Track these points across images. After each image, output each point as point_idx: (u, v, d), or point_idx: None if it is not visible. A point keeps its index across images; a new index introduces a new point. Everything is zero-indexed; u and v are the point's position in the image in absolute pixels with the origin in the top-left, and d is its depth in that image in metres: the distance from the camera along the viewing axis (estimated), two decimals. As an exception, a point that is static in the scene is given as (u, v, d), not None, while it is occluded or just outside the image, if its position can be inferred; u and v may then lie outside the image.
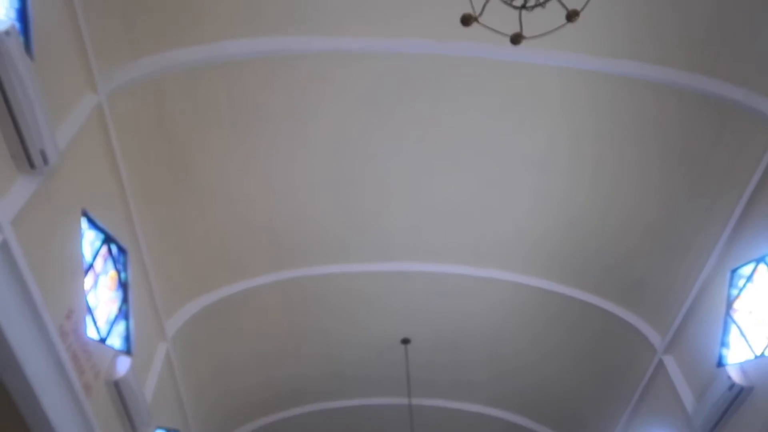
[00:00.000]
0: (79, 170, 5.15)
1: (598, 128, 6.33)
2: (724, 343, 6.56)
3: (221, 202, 7.01)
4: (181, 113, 6.08)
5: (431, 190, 7.13)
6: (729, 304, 6.49)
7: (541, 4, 3.63)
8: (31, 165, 4.22)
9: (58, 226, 4.91)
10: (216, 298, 7.91)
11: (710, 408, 6.41)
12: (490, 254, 7.83)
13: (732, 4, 5.26)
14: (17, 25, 4.06)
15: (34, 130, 4.11)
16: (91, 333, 5.59)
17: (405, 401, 9.90)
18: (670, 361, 7.48)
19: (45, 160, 4.27)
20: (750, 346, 6.20)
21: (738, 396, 6.11)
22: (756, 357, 6.08)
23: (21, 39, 3.92)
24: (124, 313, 6.39)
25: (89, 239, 5.59)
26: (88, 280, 5.56)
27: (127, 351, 6.42)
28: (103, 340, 5.87)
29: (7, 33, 3.70)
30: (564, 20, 3.59)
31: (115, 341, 6.22)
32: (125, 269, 6.35)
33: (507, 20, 3.83)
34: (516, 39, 3.72)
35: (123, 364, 6.07)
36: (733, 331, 6.47)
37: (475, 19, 3.63)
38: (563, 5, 3.58)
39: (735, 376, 6.11)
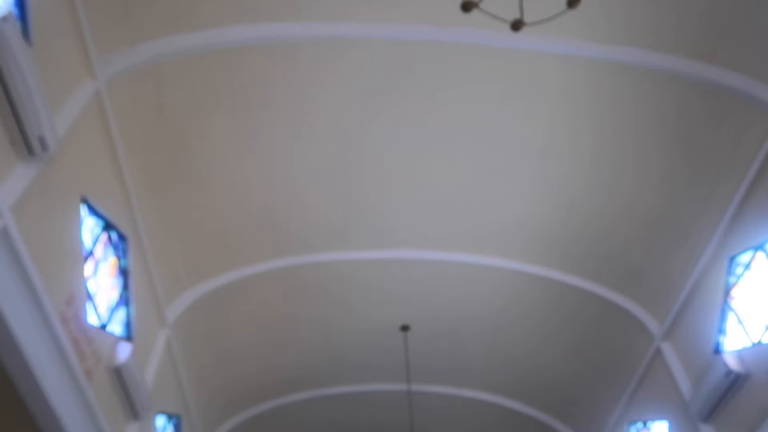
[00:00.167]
0: (78, 157, 5.14)
1: (597, 116, 6.31)
2: (721, 330, 6.60)
3: (221, 189, 7.00)
4: (181, 100, 6.06)
5: (431, 177, 7.12)
6: (727, 292, 6.52)
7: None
8: (30, 152, 4.21)
9: (58, 213, 4.91)
10: (216, 285, 7.93)
11: (707, 394, 6.47)
12: (490, 242, 7.84)
13: (733, -9, 5.24)
14: (15, 11, 4.04)
15: (33, 117, 4.10)
16: (92, 319, 5.62)
17: (404, 387, 9.96)
18: (667, 348, 7.52)
19: (44, 147, 4.26)
20: (747, 333, 6.24)
21: (735, 383, 6.16)
22: (753, 344, 6.11)
23: (19, 25, 3.89)
24: (124, 299, 6.41)
25: (89, 226, 5.60)
26: (89, 267, 5.58)
27: (128, 337, 6.45)
28: (103, 327, 5.89)
29: (4, 19, 3.68)
30: (565, 7, 3.57)
31: (116, 328, 6.25)
32: (125, 256, 6.37)
33: (507, 6, 3.81)
34: (516, 25, 3.70)
35: (124, 351, 6.11)
36: (731, 318, 6.50)
37: (476, 5, 3.61)
38: (564, -9, 3.55)
39: (732, 363, 6.16)
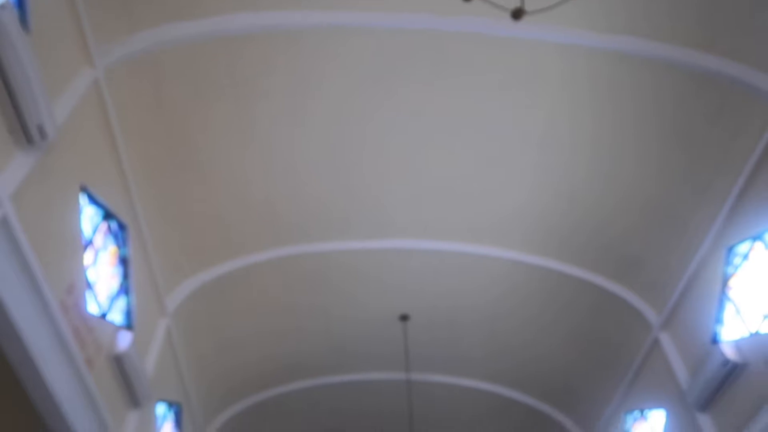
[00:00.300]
0: (77, 146, 5.14)
1: (597, 105, 6.30)
2: (719, 320, 6.63)
3: (221, 179, 7.00)
4: (181, 89, 6.04)
5: (430, 166, 7.12)
6: (725, 282, 6.54)
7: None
8: (29, 140, 4.21)
9: (58, 202, 4.92)
10: (216, 274, 7.95)
11: (704, 384, 6.50)
12: (489, 231, 7.85)
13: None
14: (13, -2, 4.02)
15: (31, 105, 4.10)
16: (92, 308, 5.63)
17: (403, 376, 10.01)
18: (665, 338, 7.56)
19: (43, 136, 4.26)
20: (745, 323, 6.26)
21: (732, 372, 6.19)
22: (750, 334, 6.14)
23: (16, 13, 3.88)
24: (124, 288, 6.43)
25: (89, 215, 5.61)
26: (88, 256, 5.59)
27: (129, 326, 6.47)
28: (104, 316, 5.91)
29: (2, 7, 3.67)
30: (565, -5, 3.55)
31: (117, 317, 6.27)
32: (125, 245, 6.37)
33: (508, -5, 3.79)
34: (517, 14, 3.69)
35: (124, 339, 6.14)
36: (729, 308, 6.52)
37: (476, -6, 3.59)
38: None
39: (729, 352, 6.19)
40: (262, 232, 7.76)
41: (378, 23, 5.78)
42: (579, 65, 5.99)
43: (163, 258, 7.27)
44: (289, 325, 9.12)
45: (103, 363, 5.88)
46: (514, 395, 10.31)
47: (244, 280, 8.18)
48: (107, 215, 5.96)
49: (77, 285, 5.22)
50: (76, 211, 5.25)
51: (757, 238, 6.11)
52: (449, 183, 7.29)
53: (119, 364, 6.05)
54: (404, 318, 9.14)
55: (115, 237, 6.23)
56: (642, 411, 8.39)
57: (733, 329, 6.44)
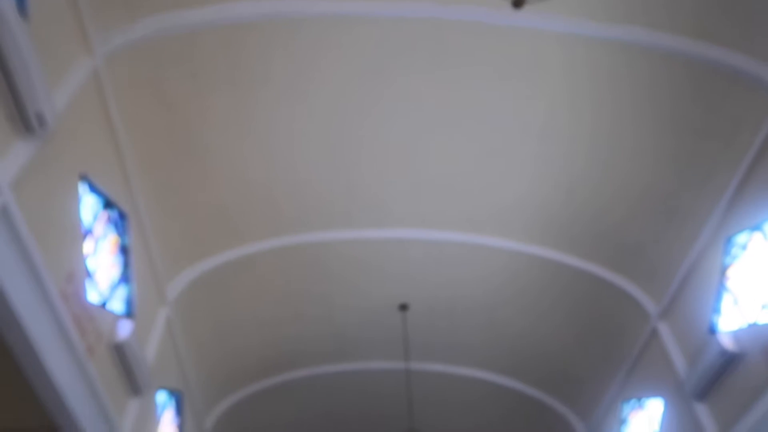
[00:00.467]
0: (77, 134, 5.13)
1: (597, 95, 6.28)
2: (717, 311, 6.65)
3: (221, 168, 7.00)
4: (181, 77, 6.03)
5: (430, 157, 7.11)
6: (723, 272, 6.55)
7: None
8: (28, 128, 4.20)
9: (57, 191, 4.92)
10: (216, 263, 7.97)
11: (702, 374, 6.54)
12: (488, 222, 7.86)
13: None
14: (11, -15, 3.99)
15: (30, 93, 4.09)
16: (93, 297, 5.65)
17: (402, 365, 10.06)
18: (664, 327, 7.59)
19: (41, 123, 4.25)
20: (743, 313, 6.28)
21: (730, 362, 6.22)
22: (749, 325, 6.16)
23: None
24: (125, 277, 6.44)
25: (89, 204, 5.61)
26: (88, 245, 5.59)
27: (129, 315, 6.49)
28: (104, 304, 5.93)
29: (1, -7, 3.65)
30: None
31: (117, 305, 6.29)
32: (125, 234, 6.38)
33: (508, -16, 3.77)
34: (518, 2, 3.67)
35: (125, 328, 6.17)
36: (727, 298, 6.54)
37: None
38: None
39: (727, 343, 6.21)
40: (262, 222, 7.77)
41: (379, 12, 5.76)
42: (578, 55, 5.97)
43: (163, 247, 7.28)
44: (289, 314, 9.15)
45: (104, 351, 5.90)
46: (513, 384, 10.37)
47: (244, 269, 8.20)
48: (107, 204, 5.97)
49: (77, 273, 5.24)
50: (76, 200, 5.25)
51: (756, 228, 6.12)
52: (449, 173, 7.29)
53: (120, 352, 6.08)
54: (404, 307, 9.16)
55: (116, 226, 6.24)
56: (639, 399, 8.44)
57: (731, 319, 6.46)
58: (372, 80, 6.33)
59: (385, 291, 8.94)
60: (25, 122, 4.18)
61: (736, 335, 6.27)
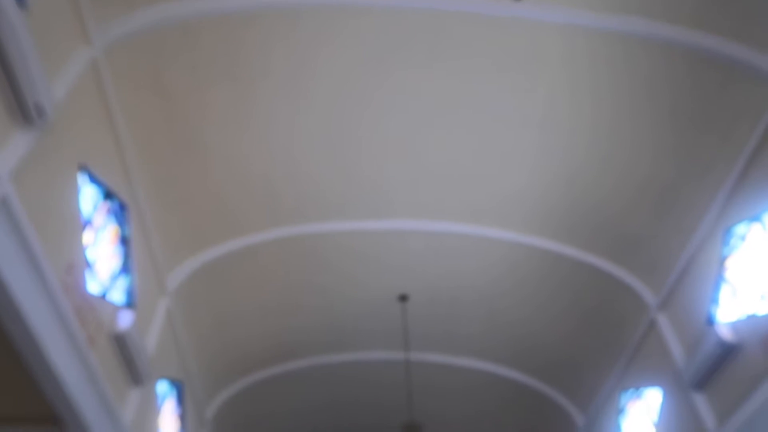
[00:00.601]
0: (76, 125, 5.13)
1: (596, 87, 6.27)
2: (715, 302, 6.66)
3: (220, 159, 7.00)
4: (180, 69, 6.02)
5: (430, 148, 7.11)
6: (722, 263, 6.56)
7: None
8: (27, 119, 4.21)
9: (57, 181, 4.93)
10: (216, 254, 7.98)
11: (700, 364, 6.57)
12: (488, 213, 7.86)
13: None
14: (9, -25, 3.98)
15: (29, 84, 4.09)
16: (93, 287, 5.67)
17: (402, 356, 10.10)
18: (662, 318, 7.61)
19: (40, 114, 4.26)
20: (741, 304, 6.30)
21: (728, 353, 6.25)
22: (747, 316, 6.18)
23: (13, -10, 3.85)
24: (125, 268, 6.47)
25: (89, 194, 5.62)
26: (89, 235, 5.61)
27: (130, 305, 6.52)
28: (105, 295, 5.96)
29: (-2, -16, 3.64)
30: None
31: (118, 296, 6.32)
32: (126, 225, 6.40)
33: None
34: (517, -7, 3.66)
35: (125, 318, 6.19)
36: (726, 289, 6.55)
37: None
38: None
39: (725, 333, 6.23)
40: (262, 212, 7.78)
41: (378, 3, 5.73)
42: (577, 46, 5.96)
43: (163, 237, 7.30)
44: (289, 304, 9.18)
45: (105, 341, 5.93)
46: (512, 374, 10.41)
47: (244, 260, 8.22)
48: (107, 195, 5.98)
49: (77, 264, 5.26)
50: (76, 191, 5.26)
51: (755, 219, 6.12)
52: (448, 164, 7.29)
53: (120, 342, 6.11)
54: (403, 298, 9.19)
55: (116, 217, 6.25)
56: (637, 389, 8.48)
57: (730, 310, 6.48)
58: (371, 72, 6.32)
59: (385, 282, 8.96)
60: (24, 113, 4.18)
61: (734, 326, 6.29)
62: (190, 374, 8.79)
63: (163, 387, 7.94)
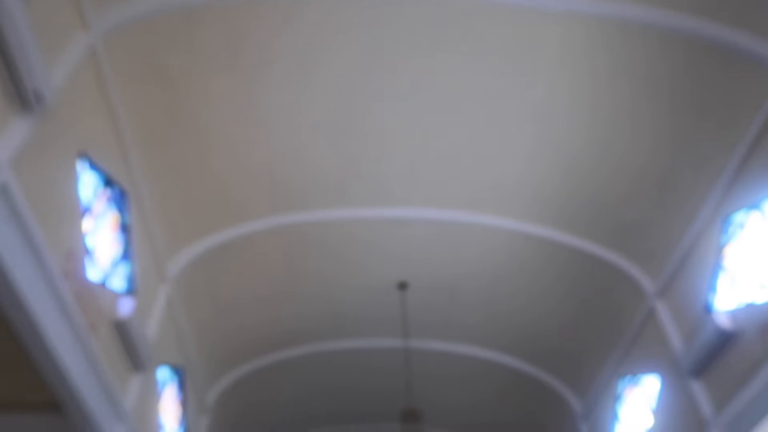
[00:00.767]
0: (76, 111, 5.12)
1: (595, 74, 6.24)
2: (714, 290, 6.68)
3: (221, 145, 6.99)
4: (181, 55, 5.99)
5: (430, 136, 7.10)
6: (721, 251, 6.57)
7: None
8: (26, 105, 4.20)
9: (56, 168, 4.93)
10: (217, 241, 8.00)
11: (698, 352, 6.60)
12: (487, 200, 7.87)
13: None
14: (6, -40, 3.95)
15: (27, 70, 4.08)
16: (94, 274, 5.69)
17: (401, 343, 10.14)
18: (661, 306, 7.63)
19: (39, 100, 4.25)
20: (740, 292, 6.31)
21: (726, 341, 6.27)
22: (746, 304, 6.20)
23: (10, -24, 3.83)
24: (126, 255, 6.48)
25: (89, 181, 5.62)
26: (89, 222, 5.61)
27: (130, 292, 6.54)
28: (106, 282, 5.97)
29: (-4, -31, 3.62)
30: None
31: (118, 283, 6.34)
32: (126, 212, 6.40)
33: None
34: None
35: (126, 305, 6.22)
36: (724, 277, 6.57)
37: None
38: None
39: (724, 322, 6.25)
40: (263, 200, 7.78)
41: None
42: (576, 33, 5.93)
43: (164, 224, 7.30)
44: (289, 292, 9.21)
45: (106, 328, 5.96)
46: (511, 362, 10.46)
47: (244, 247, 8.24)
48: (107, 182, 5.97)
49: (77, 251, 5.26)
50: (75, 178, 5.26)
51: (753, 207, 6.12)
52: (449, 152, 7.28)
53: (121, 329, 6.14)
54: (403, 285, 9.21)
55: (116, 204, 6.25)
56: (634, 376, 8.53)
57: (729, 298, 6.50)
58: (373, 60, 6.30)
59: (385, 269, 8.98)
60: (23, 100, 4.18)
61: (733, 314, 6.31)
62: (190, 361, 8.84)
63: (163, 373, 7.99)
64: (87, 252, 5.54)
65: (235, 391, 10.58)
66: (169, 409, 8.24)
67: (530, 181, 7.51)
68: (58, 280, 4.76)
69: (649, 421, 8.09)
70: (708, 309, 6.69)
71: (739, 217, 6.34)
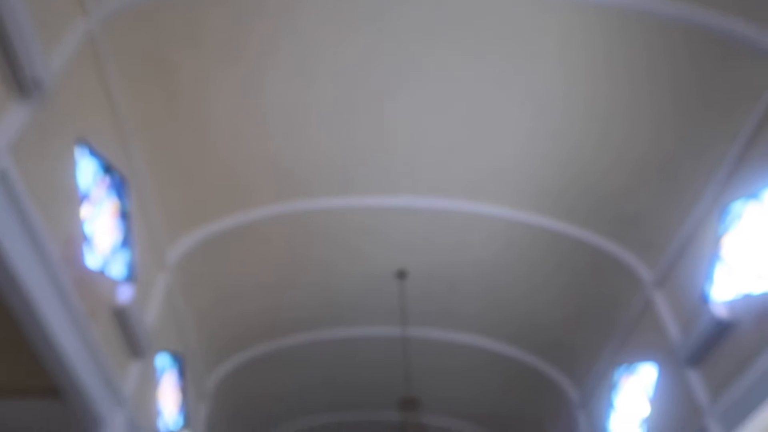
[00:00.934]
0: (75, 98, 5.11)
1: (593, 62, 6.23)
2: (711, 280, 6.70)
3: (221, 133, 6.98)
4: (179, 41, 5.96)
5: (432, 126, 7.09)
6: (719, 241, 6.59)
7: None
8: (25, 92, 4.19)
9: (55, 155, 4.92)
10: (216, 228, 8.00)
11: (695, 341, 6.63)
12: (486, 189, 7.87)
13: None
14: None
15: (26, 57, 4.07)
16: (92, 261, 5.69)
17: (400, 331, 10.18)
18: (659, 296, 7.66)
19: (38, 87, 4.23)
20: (737, 282, 6.33)
21: (723, 331, 6.30)
22: (743, 294, 6.22)
23: (8, -39, 3.80)
24: (126, 242, 6.48)
25: (88, 168, 5.61)
26: (88, 209, 5.61)
27: (130, 279, 6.55)
28: (105, 269, 5.98)
29: (-7, -46, 3.60)
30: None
31: (118, 270, 6.35)
32: (126, 199, 6.40)
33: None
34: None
35: (126, 292, 6.24)
36: (722, 267, 6.59)
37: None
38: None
39: (721, 312, 6.28)
40: (263, 188, 7.78)
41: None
42: (575, 22, 5.91)
43: (164, 212, 7.31)
44: (288, 280, 9.23)
45: (105, 315, 5.98)
46: (508, 350, 10.50)
47: (246, 235, 8.24)
48: (107, 169, 5.97)
49: (76, 238, 5.27)
50: (74, 165, 5.25)
51: (752, 196, 6.12)
52: (450, 142, 7.28)
53: (121, 316, 6.16)
54: (402, 274, 9.23)
55: (116, 191, 6.25)
56: (630, 365, 8.57)
57: (726, 288, 6.52)
58: (375, 51, 6.29)
59: (384, 258, 9.00)
60: (22, 86, 4.16)
61: (730, 304, 6.34)
62: (190, 348, 8.87)
63: (163, 360, 8.03)
64: (86, 239, 5.54)
65: (234, 378, 10.64)
66: (168, 395, 8.29)
67: (530, 170, 7.51)
68: (58, 267, 4.77)
69: (646, 409, 8.14)
70: (705, 299, 6.71)
71: (737, 206, 6.34)
